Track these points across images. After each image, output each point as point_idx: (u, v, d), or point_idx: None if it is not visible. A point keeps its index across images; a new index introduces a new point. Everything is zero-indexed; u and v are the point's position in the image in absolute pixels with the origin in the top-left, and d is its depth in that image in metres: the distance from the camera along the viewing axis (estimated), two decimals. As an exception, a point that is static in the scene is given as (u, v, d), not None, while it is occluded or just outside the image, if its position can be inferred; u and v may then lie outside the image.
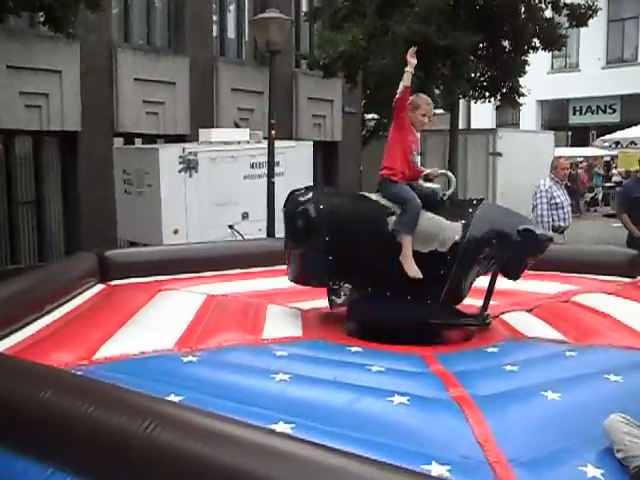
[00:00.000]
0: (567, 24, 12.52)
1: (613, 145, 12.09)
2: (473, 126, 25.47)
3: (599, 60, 29.77)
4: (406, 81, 4.33)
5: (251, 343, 3.91)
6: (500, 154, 13.10)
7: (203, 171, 8.91)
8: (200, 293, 5.21)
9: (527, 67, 13.03)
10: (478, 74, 12.30)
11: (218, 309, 4.69)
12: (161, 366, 3.32)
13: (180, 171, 8.63)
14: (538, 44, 12.29)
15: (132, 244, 9.64)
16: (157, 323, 4.18)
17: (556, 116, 31.89)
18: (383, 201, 4.38)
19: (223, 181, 9.20)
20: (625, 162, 19.33)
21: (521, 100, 13.26)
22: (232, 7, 14.39)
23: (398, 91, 4.28)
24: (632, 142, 11.36)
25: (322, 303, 5.17)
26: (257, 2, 14.25)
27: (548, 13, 12.17)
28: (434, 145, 14.61)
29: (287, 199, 4.73)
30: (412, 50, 4.45)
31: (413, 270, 4.19)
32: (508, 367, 3.45)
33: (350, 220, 4.37)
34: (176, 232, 8.61)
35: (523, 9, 11.48)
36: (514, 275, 4.55)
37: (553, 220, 7.59)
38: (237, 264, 6.10)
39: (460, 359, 3.74)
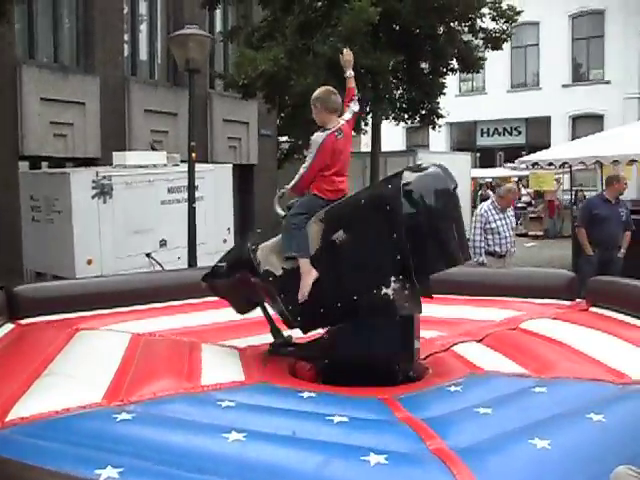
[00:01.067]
0: (482, 47, 12.67)
1: (530, 166, 12.27)
2: (384, 149, 25.69)
3: (504, 84, 30.75)
4: (353, 84, 4.37)
5: (190, 391, 3.45)
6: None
7: (118, 196, 8.33)
8: (124, 332, 4.70)
9: (445, 89, 13.10)
10: (398, 95, 12.23)
11: (147, 351, 4.20)
12: (91, 427, 2.82)
13: (93, 197, 8.03)
14: (457, 66, 12.38)
15: (39, 275, 8.93)
16: (79, 371, 3.65)
17: (464, 138, 32.70)
18: None
19: (139, 207, 8.65)
20: (536, 182, 19.86)
21: (440, 121, 13.31)
22: (143, 26, 13.83)
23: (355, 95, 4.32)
24: (550, 163, 11.54)
25: (257, 340, 4.79)
26: (170, 21, 13.77)
27: (466, 37, 12.28)
28: (353, 168, 14.41)
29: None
30: (348, 50, 4.45)
31: None
32: (481, 410, 3.14)
33: None
34: (90, 262, 7.99)
35: (442, 31, 11.49)
36: None
37: (488, 245, 7.47)
38: (160, 297, 5.61)
39: (424, 402, 3.42)
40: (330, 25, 9.89)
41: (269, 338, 4.85)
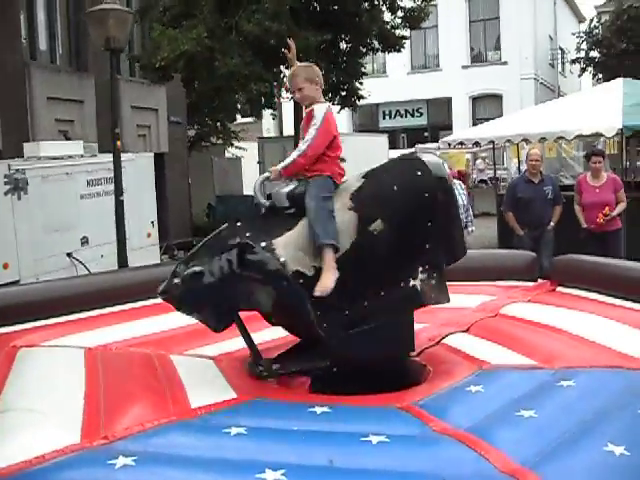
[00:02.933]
0: (401, 26, 12.41)
1: (458, 146, 12.20)
2: (287, 132, 25.29)
3: (404, 66, 30.93)
4: None
5: (183, 417, 2.92)
6: (344, 159, 12.68)
7: (34, 192, 7.51)
8: (72, 347, 4.07)
9: (363, 69, 12.82)
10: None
11: (110, 369, 3.60)
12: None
13: (7, 193, 7.18)
14: (377, 46, 12.08)
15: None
16: (39, 403, 3.01)
17: (367, 120, 32.77)
18: None
19: (57, 202, 7.87)
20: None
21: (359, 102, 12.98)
22: (41, 5, 12.65)
23: None
24: (476, 143, 11.48)
25: (227, 346, 4.28)
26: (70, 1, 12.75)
27: (386, 16, 11.99)
28: (272, 153, 14.01)
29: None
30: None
31: None
32: (524, 413, 2.80)
33: None
34: (5, 267, 7.15)
35: (365, 9, 11.12)
36: None
37: None
38: (99, 303, 4.99)
39: (450, 408, 3.04)
40: (254, 1, 9.32)
41: (240, 342, 4.37)
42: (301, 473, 2.26)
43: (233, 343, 4.30)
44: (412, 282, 3.46)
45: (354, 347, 3.46)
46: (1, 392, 3.19)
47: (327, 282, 3.28)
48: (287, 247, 3.35)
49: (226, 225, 3.61)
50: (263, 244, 3.31)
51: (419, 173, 3.57)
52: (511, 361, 3.79)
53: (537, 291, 5.39)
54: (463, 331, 4.46)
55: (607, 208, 7.47)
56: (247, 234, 3.37)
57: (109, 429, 2.75)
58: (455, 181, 7.70)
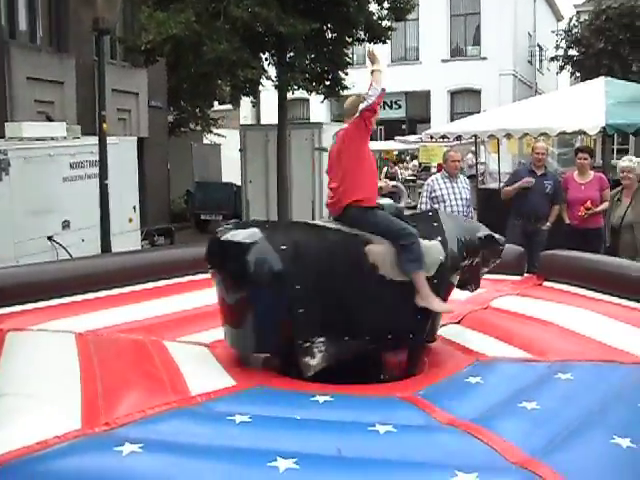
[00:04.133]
0: (387, 18, 12.35)
1: (439, 139, 12.24)
2: (264, 121, 25.08)
3: (384, 58, 30.87)
4: (382, 82, 3.69)
5: (184, 405, 2.88)
6: (326, 149, 12.65)
7: (15, 173, 7.34)
8: (62, 331, 3.99)
9: (348, 59, 12.76)
10: (306, 64, 11.68)
11: (104, 355, 3.54)
12: (92, 467, 2.22)
13: (-12, 174, 7.03)
14: (363, 36, 12.01)
15: None
16: (36, 388, 2.95)
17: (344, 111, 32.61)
18: (347, 229, 3.68)
19: (39, 185, 7.70)
20: (426, 156, 20.04)
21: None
22: (21, -17, 12.39)
23: (374, 95, 3.57)
24: (458, 137, 11.52)
25: (220, 333, 4.24)
26: (51, -21, 12.49)
27: (373, 6, 11.91)
28: (254, 141, 13.85)
29: (215, 245, 3.60)
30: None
31: (441, 305, 3.69)
32: (526, 404, 2.81)
33: (322, 259, 3.49)
34: (-15, 249, 7.01)
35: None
36: (475, 285, 4.18)
37: None
38: (83, 288, 4.89)
39: (453, 399, 3.04)
40: (244, -13, 9.20)
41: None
42: (313, 462, 2.24)
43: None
44: None
45: None
46: (-6, 377, 3.12)
47: None
48: None
49: None
50: None
51: None
52: (505, 353, 3.82)
53: (525, 285, 5.43)
54: (455, 322, 4.48)
55: (589, 202, 7.48)
56: None
57: (109, 415, 2.70)
58: (460, 175, 7.65)
